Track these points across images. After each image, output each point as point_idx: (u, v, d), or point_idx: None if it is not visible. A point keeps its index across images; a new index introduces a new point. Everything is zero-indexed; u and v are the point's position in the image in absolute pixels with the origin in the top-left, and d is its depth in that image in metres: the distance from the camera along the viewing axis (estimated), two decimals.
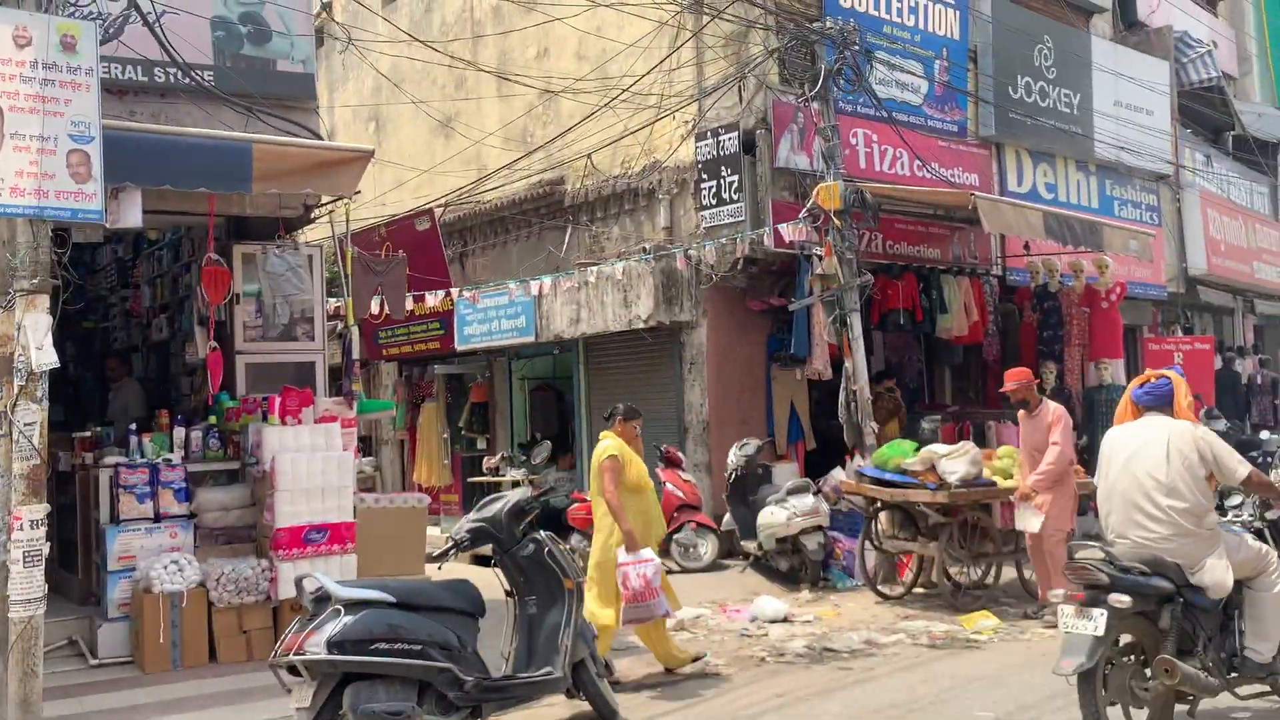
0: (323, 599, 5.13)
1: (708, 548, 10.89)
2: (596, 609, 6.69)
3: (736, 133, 11.03)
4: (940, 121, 12.99)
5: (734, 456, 10.61)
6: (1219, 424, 15.87)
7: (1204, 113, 18.74)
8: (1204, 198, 17.31)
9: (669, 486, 10.94)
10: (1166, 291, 16.36)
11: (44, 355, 5.52)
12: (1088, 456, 12.14)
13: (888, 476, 8.87)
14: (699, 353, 11.74)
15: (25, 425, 5.53)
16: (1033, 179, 14.28)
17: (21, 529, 5.45)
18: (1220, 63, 18.81)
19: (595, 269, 11.85)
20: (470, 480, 14.17)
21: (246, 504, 7.92)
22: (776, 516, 9.85)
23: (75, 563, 8.46)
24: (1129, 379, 13.66)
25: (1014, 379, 8.33)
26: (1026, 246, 12.91)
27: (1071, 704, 5.96)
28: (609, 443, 7.07)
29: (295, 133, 8.05)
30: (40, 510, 5.52)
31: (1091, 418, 12.49)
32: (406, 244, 11.70)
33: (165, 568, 7.22)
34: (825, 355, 10.42)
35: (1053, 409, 8.32)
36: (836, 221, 9.88)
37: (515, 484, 11.92)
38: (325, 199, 8.47)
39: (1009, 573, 9.31)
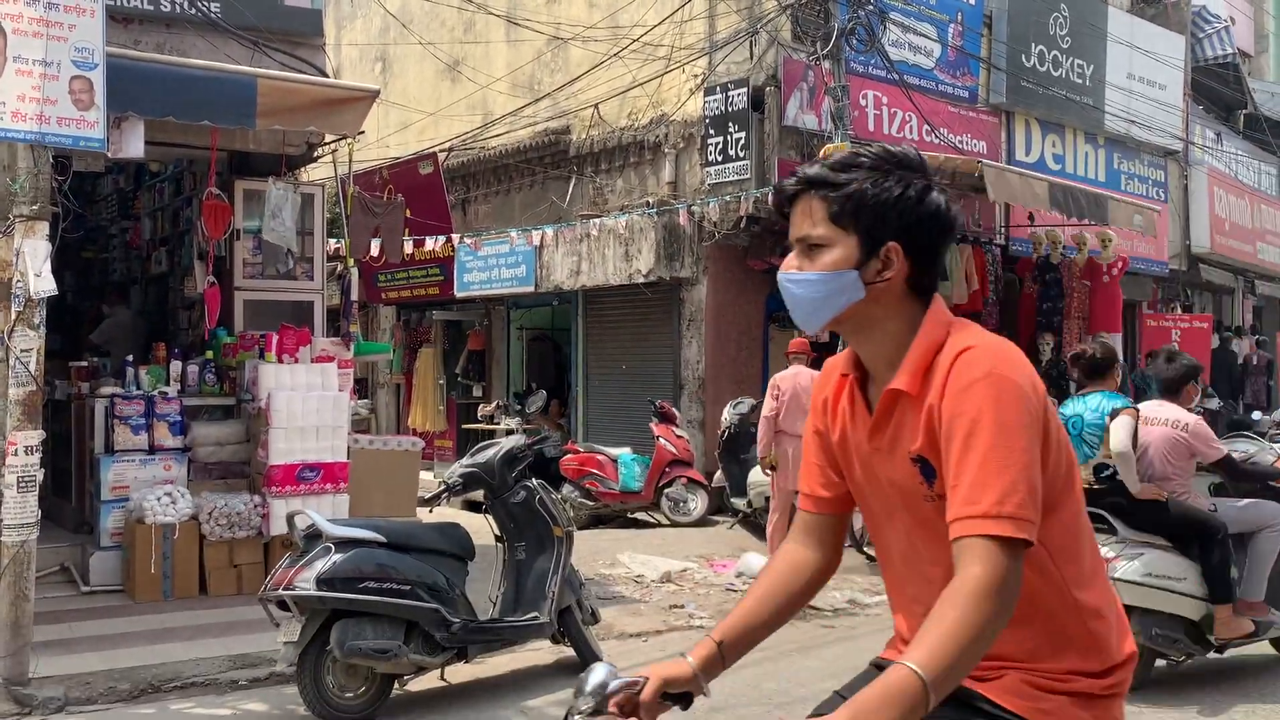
0: (314, 536, 5.18)
1: (698, 503, 10.97)
2: None
3: (746, 89, 10.95)
4: (951, 86, 12.88)
5: (728, 414, 10.66)
6: (1212, 402, 15.97)
7: (1217, 89, 18.61)
8: (1211, 175, 17.23)
9: (662, 441, 11.00)
10: (1168, 268, 16.34)
11: (42, 282, 5.50)
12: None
13: None
14: (698, 310, 11.74)
15: (22, 351, 5.53)
16: (1041, 149, 14.20)
17: (16, 454, 5.47)
18: (1236, 39, 18.64)
19: (597, 221, 11.81)
20: (465, 427, 14.24)
21: (241, 440, 7.96)
22: (767, 475, 9.90)
23: (69, 491, 8.52)
24: (1126, 354, 13.76)
25: None
26: (1031, 217, 12.86)
27: None
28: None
29: (301, 69, 7.98)
30: (35, 436, 5.54)
31: None
32: (409, 187, 11.65)
33: (158, 499, 7.27)
34: None
35: None
36: None
37: (509, 432, 11.98)
38: (329, 138, 8.42)
39: None
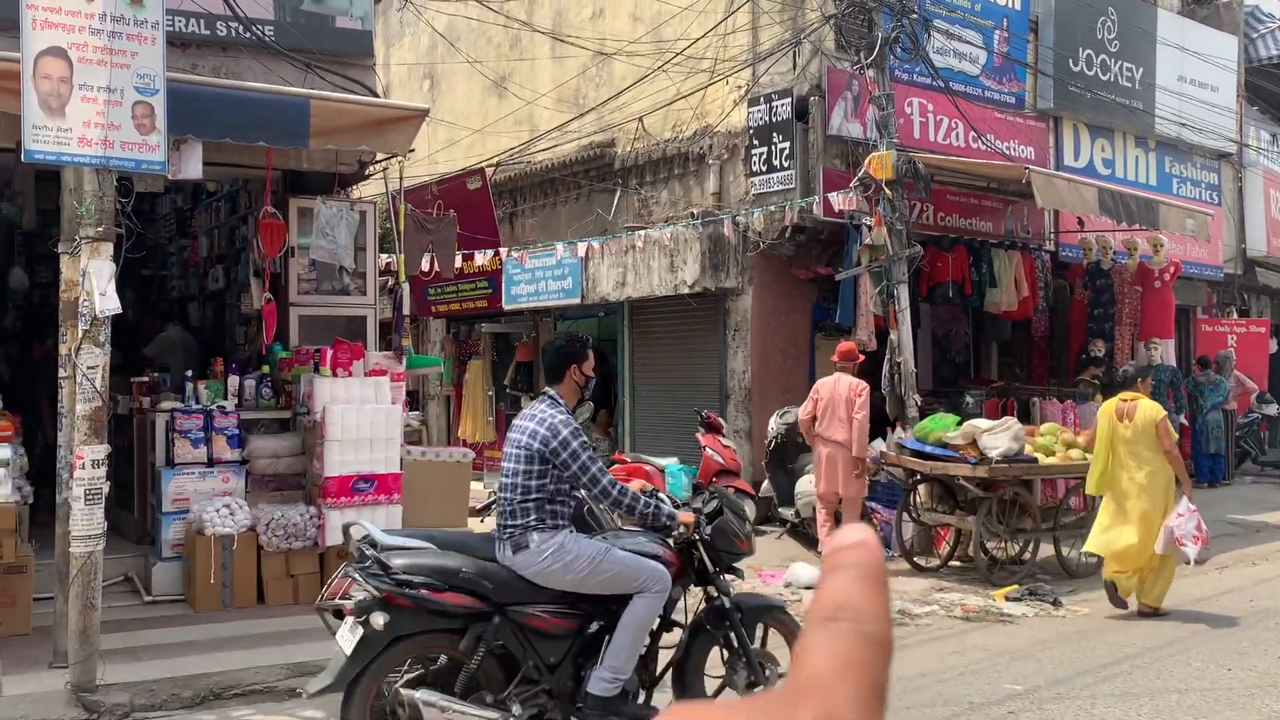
0: (370, 547, 5.28)
1: (746, 513, 10.96)
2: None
3: (790, 99, 10.98)
4: (997, 93, 12.81)
5: (775, 424, 10.66)
6: (1271, 408, 15.67)
7: (1272, 90, 18.28)
8: (1267, 177, 16.92)
9: (709, 451, 11.02)
10: (1223, 272, 16.06)
11: (107, 301, 5.69)
12: None
13: (928, 449, 8.88)
14: (743, 320, 11.77)
15: (88, 368, 5.72)
16: (1090, 154, 14.05)
17: (83, 468, 5.65)
18: None
19: (643, 233, 11.89)
20: None
21: (297, 452, 8.13)
22: (814, 486, 9.90)
23: (132, 503, 8.75)
24: (1179, 360, 13.56)
25: None
26: (1081, 223, 12.74)
27: (1102, 680, 6.02)
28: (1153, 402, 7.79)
29: (352, 89, 8.16)
30: (101, 450, 5.72)
31: None
32: (457, 202, 11.81)
33: (217, 511, 7.45)
34: (870, 326, 10.39)
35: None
36: (888, 192, 9.81)
37: None
38: (380, 156, 8.59)
39: (1046, 549, 9.30)
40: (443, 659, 4.65)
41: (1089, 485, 8.09)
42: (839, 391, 8.91)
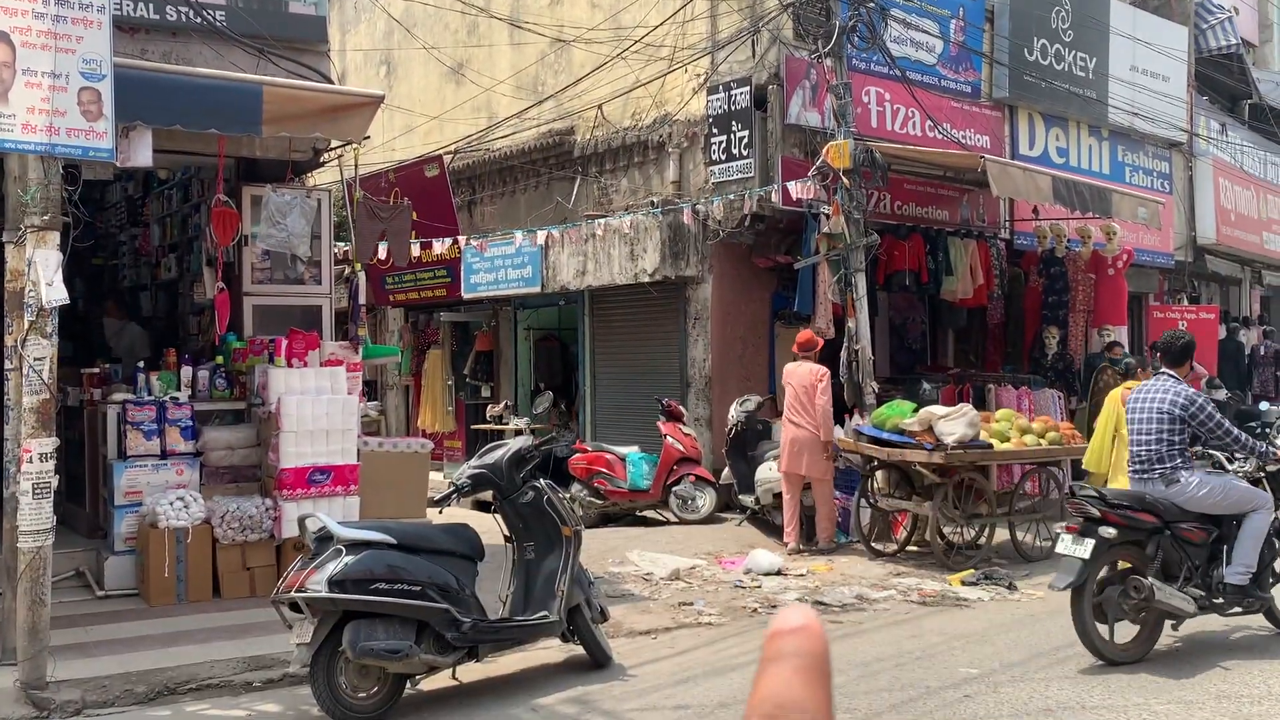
0: (325, 539, 5.25)
1: (705, 501, 11.02)
2: None
3: (748, 87, 10.99)
4: (954, 82, 12.90)
5: (735, 412, 10.70)
6: (1220, 393, 15.95)
7: (1221, 80, 18.57)
8: (1217, 166, 17.20)
9: (669, 440, 11.05)
10: (1174, 260, 16.32)
11: (54, 291, 5.57)
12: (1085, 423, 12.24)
13: (885, 436, 8.95)
14: (703, 308, 11.79)
15: (35, 360, 5.60)
16: (1045, 143, 14.20)
17: (31, 461, 5.54)
18: (1240, 30, 18.59)
19: (602, 221, 11.86)
20: (474, 427, 14.31)
21: (252, 444, 8.03)
22: (775, 472, 9.96)
23: (83, 496, 8.61)
24: (1132, 347, 13.76)
25: None
26: (1035, 211, 12.88)
27: (1056, 662, 6.11)
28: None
29: (306, 75, 8.05)
30: (49, 444, 5.61)
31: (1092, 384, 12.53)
32: (415, 190, 11.72)
33: (171, 504, 7.35)
34: (829, 314, 10.45)
35: None
36: (845, 180, 9.85)
37: (518, 432, 12.04)
38: (335, 143, 8.49)
39: (1002, 534, 9.42)
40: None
41: (1087, 459, 8.68)
42: (801, 378, 9.37)
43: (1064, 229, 12.86)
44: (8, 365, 5.99)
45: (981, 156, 10.61)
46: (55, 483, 5.69)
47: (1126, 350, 12.13)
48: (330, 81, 8.51)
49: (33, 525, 5.53)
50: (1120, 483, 7.92)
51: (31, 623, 5.49)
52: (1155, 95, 15.34)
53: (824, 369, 9.40)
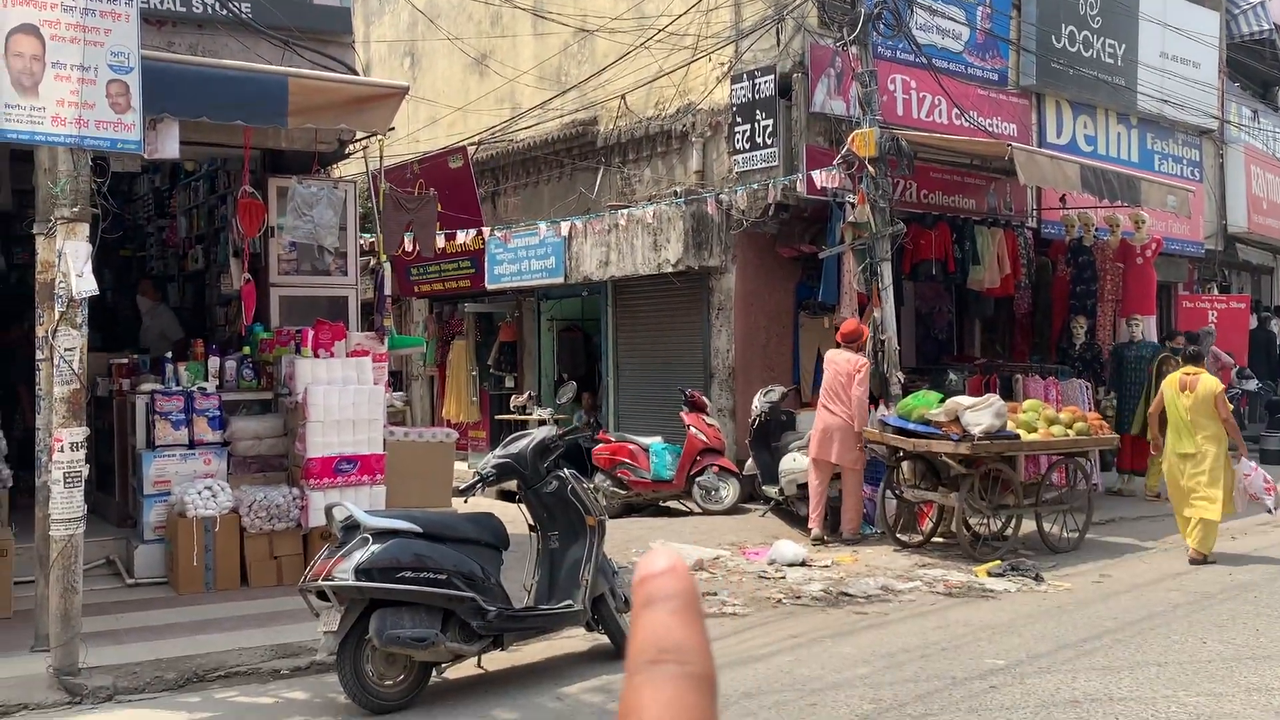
0: (352, 527, 5.28)
1: (729, 491, 11.01)
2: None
3: (773, 76, 10.93)
4: (980, 70, 12.79)
5: (759, 402, 10.68)
6: (1250, 384, 15.78)
7: (1253, 66, 18.32)
8: (1248, 153, 16.97)
9: (692, 430, 11.04)
10: (1204, 248, 16.13)
11: (84, 282, 5.63)
12: (1113, 414, 12.14)
13: (911, 426, 8.91)
14: (727, 298, 11.75)
15: (65, 350, 5.66)
16: (1072, 130, 14.06)
17: (62, 450, 5.61)
18: (1273, 14, 18.31)
19: (626, 211, 11.84)
20: (498, 418, 14.35)
21: (279, 434, 8.09)
22: (799, 463, 9.94)
23: (113, 486, 8.71)
24: (1160, 336, 13.61)
25: None
26: (1063, 200, 12.76)
27: (1083, 654, 6.06)
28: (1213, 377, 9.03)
29: (331, 67, 8.08)
30: (80, 433, 5.67)
31: (1120, 374, 12.42)
32: (439, 181, 11.73)
33: (199, 493, 7.42)
34: (854, 304, 10.40)
35: None
36: (871, 169, 9.79)
37: (541, 422, 12.06)
38: (360, 135, 8.52)
39: (1028, 525, 9.36)
40: None
41: (1135, 425, 9.75)
42: (841, 366, 9.34)
43: (1092, 218, 12.73)
44: (39, 356, 6.06)
45: (1009, 144, 10.52)
46: (86, 471, 5.75)
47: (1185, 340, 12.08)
48: (355, 73, 8.55)
49: (64, 514, 5.60)
50: (1187, 468, 8.73)
51: (63, 610, 5.55)
52: (1185, 82, 15.15)
53: (865, 360, 9.43)
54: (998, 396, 9.17)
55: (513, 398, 13.97)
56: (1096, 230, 12.79)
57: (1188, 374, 9.01)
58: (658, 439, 11.45)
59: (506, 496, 10.52)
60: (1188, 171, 15.80)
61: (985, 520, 9.25)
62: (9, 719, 5.16)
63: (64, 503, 5.60)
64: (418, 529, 5.34)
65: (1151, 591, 7.77)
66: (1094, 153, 13.94)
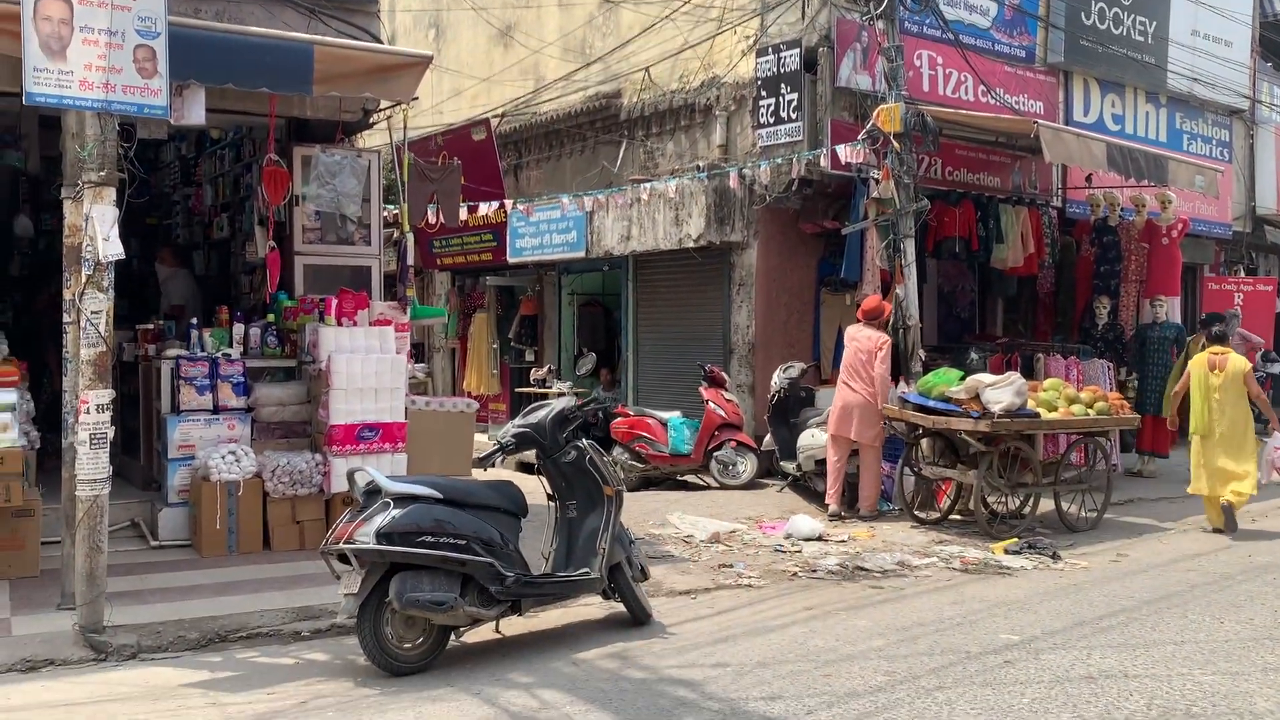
0: (373, 492, 5.34)
1: (747, 466, 11.03)
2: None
3: (798, 49, 10.87)
4: (1008, 46, 12.66)
5: (778, 378, 10.68)
6: (1276, 366, 15.63)
7: None
8: (1279, 134, 16.75)
9: (711, 405, 11.06)
10: (1231, 230, 15.96)
11: (110, 246, 5.68)
12: (1134, 395, 12.07)
13: (931, 404, 8.89)
14: (748, 274, 11.74)
15: (92, 313, 5.73)
16: (1100, 109, 13.92)
17: (88, 412, 5.68)
18: None
19: (648, 186, 11.82)
20: (518, 390, 14.41)
21: (302, 400, 8.16)
22: (817, 439, 9.95)
23: (138, 450, 8.81)
24: (1185, 318, 13.50)
25: None
26: (1089, 178, 12.65)
27: (1099, 631, 6.07)
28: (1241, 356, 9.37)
29: (356, 36, 8.09)
30: (106, 395, 5.74)
31: (1143, 355, 12.34)
32: (462, 153, 11.69)
33: (223, 458, 7.51)
34: (877, 281, 10.36)
35: None
36: (896, 145, 9.73)
37: (561, 395, 12.10)
38: (384, 104, 8.53)
39: (1046, 504, 9.35)
40: None
41: (1167, 408, 10.08)
42: (863, 343, 9.41)
43: (1118, 197, 12.62)
44: (66, 319, 6.14)
45: (1035, 121, 10.43)
46: (111, 434, 5.82)
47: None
48: (380, 42, 8.55)
49: (90, 474, 5.68)
50: (1217, 443, 9.08)
51: (89, 569, 5.65)
52: (1217, 60, 14.95)
53: (887, 337, 9.46)
54: (1019, 375, 9.14)
55: (533, 371, 14.03)
56: (1122, 210, 12.68)
57: (1215, 353, 9.30)
58: (676, 413, 11.48)
59: (525, 469, 10.59)
60: (1216, 152, 15.62)
61: (1003, 498, 9.25)
62: (36, 674, 5.26)
63: (90, 463, 5.68)
64: (438, 494, 5.39)
65: (1169, 571, 7.75)
66: (1121, 132, 13.80)
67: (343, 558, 5.32)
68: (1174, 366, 11.56)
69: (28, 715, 4.74)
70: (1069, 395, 9.33)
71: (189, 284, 10.74)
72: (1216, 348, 9.44)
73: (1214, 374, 9.21)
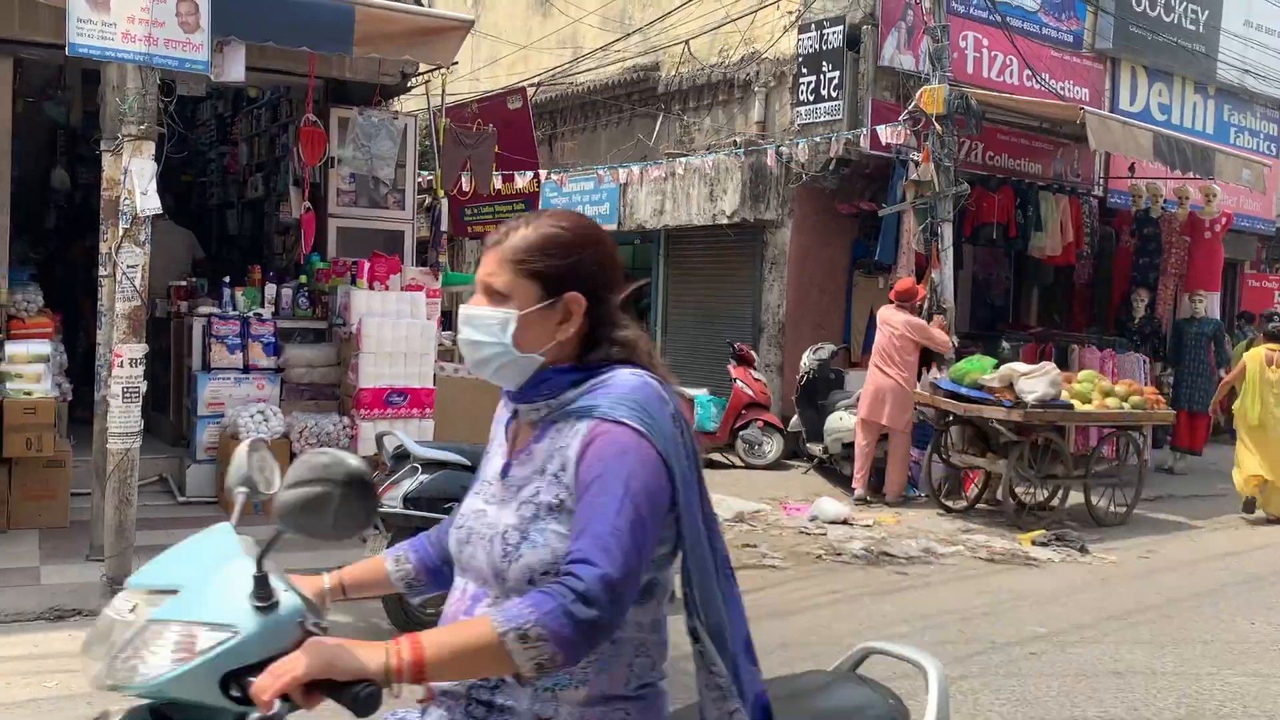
0: (402, 456, 5.33)
1: (772, 446, 10.97)
2: None
3: (842, 26, 10.71)
4: (1055, 30, 12.44)
5: (807, 359, 10.60)
6: None
7: None
8: None
9: (739, 384, 11.00)
10: (1275, 226, 15.67)
11: (148, 200, 5.67)
12: (1169, 390, 11.91)
13: (963, 391, 8.80)
14: (781, 253, 11.64)
15: (128, 267, 5.72)
16: (1147, 98, 13.67)
17: (122, 366, 5.69)
18: None
19: (683, 160, 11.72)
20: None
21: (332, 363, 8.16)
22: (845, 422, 9.88)
23: (167, 406, 8.85)
24: (1224, 315, 13.29)
25: None
26: (1132, 168, 12.44)
27: (1128, 626, 6.00)
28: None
29: None
30: (139, 349, 5.75)
31: (1180, 350, 12.16)
32: (497, 122, 11.61)
33: (251, 416, 7.51)
34: (912, 265, 10.24)
35: None
36: (937, 127, 9.58)
37: None
38: (422, 68, 8.47)
39: (1075, 497, 9.24)
40: None
41: (1250, 418, 9.75)
42: (895, 327, 9.29)
43: (1161, 189, 12.41)
44: (102, 272, 6.14)
45: (1081, 108, 10.25)
46: (144, 388, 5.84)
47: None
48: (420, 5, 8.47)
49: (122, 427, 5.70)
50: (1268, 438, 9.37)
51: (118, 521, 5.67)
52: (1269, 52, 14.64)
53: (920, 320, 9.35)
54: (1053, 365, 9.02)
55: None
56: (1165, 202, 12.48)
57: (1273, 349, 9.63)
58: (703, 390, 11.42)
59: None
60: (1264, 146, 15.32)
61: (1032, 489, 9.15)
62: (64, 622, 5.30)
63: (122, 417, 5.70)
64: (466, 461, 5.36)
65: (1200, 569, 7.66)
66: (1168, 122, 13.55)
67: None
68: (1232, 358, 11.65)
69: (55, 663, 4.77)
70: (1104, 388, 9.20)
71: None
72: (1274, 344, 9.69)
73: (1271, 369, 9.51)
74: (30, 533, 6.62)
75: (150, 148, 5.73)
